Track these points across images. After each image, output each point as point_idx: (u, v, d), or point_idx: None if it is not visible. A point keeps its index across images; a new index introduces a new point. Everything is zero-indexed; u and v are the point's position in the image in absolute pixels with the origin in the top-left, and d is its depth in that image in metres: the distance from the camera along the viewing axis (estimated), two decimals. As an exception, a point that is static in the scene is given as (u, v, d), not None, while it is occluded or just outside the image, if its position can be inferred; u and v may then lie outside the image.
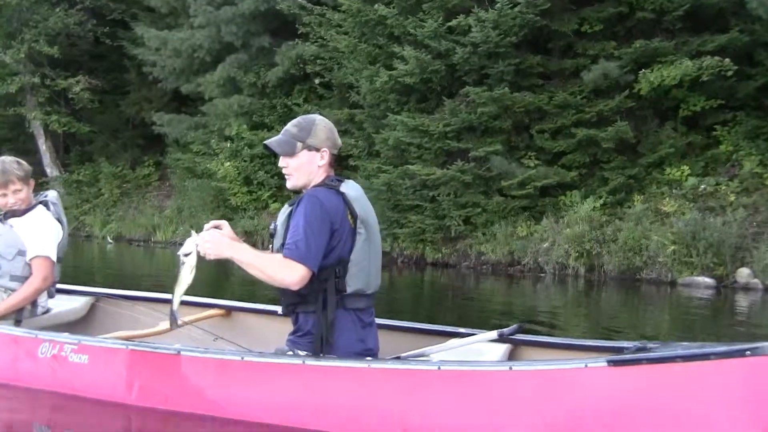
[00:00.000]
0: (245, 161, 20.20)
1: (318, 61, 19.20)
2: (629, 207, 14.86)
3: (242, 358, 4.46)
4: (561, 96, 15.64)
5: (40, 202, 5.71)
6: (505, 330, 4.54)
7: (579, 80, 15.80)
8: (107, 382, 4.77)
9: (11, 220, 5.61)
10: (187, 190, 21.69)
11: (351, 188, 4.44)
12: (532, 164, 15.71)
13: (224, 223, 4.61)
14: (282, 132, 4.50)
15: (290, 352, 4.37)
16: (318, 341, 4.29)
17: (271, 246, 4.53)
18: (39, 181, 25.35)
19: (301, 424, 4.25)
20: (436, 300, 12.58)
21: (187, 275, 4.45)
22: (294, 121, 4.54)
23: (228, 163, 20.27)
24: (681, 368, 3.69)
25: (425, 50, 16.11)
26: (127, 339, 5.07)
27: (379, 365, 4.18)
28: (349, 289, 4.32)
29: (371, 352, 4.44)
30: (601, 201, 15.01)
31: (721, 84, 14.76)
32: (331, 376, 4.20)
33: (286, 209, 4.46)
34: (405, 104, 17.06)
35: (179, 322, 4.71)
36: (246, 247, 4.41)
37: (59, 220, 5.74)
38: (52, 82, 24.74)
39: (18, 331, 5.19)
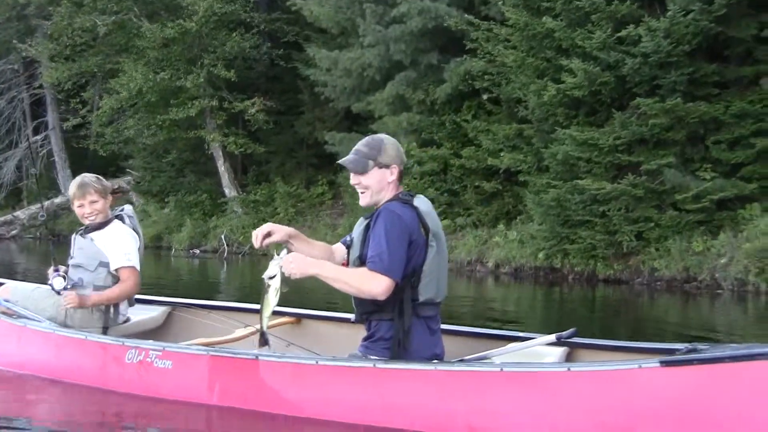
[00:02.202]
0: (415, 179, 20.23)
1: (486, 76, 19.07)
2: (815, 220, 14.06)
3: (317, 362, 4.78)
4: (739, 105, 14.95)
5: (116, 217, 6.05)
6: (563, 333, 4.80)
7: (758, 88, 15.11)
8: (190, 386, 5.13)
9: (91, 234, 5.97)
10: (357, 208, 21.90)
11: (422, 203, 4.77)
12: (708, 176, 15.06)
13: (271, 225, 4.97)
14: (353, 152, 4.80)
15: (364, 357, 4.69)
16: (395, 346, 4.60)
17: (346, 257, 4.87)
18: (218, 201, 26.50)
19: (372, 423, 4.55)
20: (608, 317, 12.23)
21: (273, 297, 4.72)
22: (363, 141, 4.84)
23: (398, 181, 20.34)
24: (730, 368, 3.89)
25: (594, 62, 15.74)
26: (206, 345, 5.42)
27: (445, 367, 4.48)
28: (422, 298, 4.63)
29: (439, 357, 4.74)
30: (784, 214, 14.25)
31: None
32: (400, 379, 4.51)
33: (362, 222, 4.78)
34: (574, 118, 16.73)
35: (269, 342, 4.96)
36: (327, 263, 4.73)
37: (136, 232, 6.05)
38: (230, 104, 25.48)
39: (106, 339, 5.59)
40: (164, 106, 25.79)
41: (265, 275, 4.72)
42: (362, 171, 4.73)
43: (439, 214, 18.85)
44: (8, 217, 29.82)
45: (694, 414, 3.96)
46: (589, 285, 16.09)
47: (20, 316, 5.96)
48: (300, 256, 4.70)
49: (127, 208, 6.15)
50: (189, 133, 25.96)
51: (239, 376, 4.97)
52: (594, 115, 16.67)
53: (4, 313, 6.05)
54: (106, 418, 5.17)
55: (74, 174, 31.64)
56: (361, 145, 4.81)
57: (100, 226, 5.97)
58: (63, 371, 5.68)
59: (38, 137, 32.39)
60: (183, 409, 5.06)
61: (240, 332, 5.87)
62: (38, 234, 29.59)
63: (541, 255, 17.14)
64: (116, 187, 30.55)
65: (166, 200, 27.86)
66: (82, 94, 29.50)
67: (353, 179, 4.79)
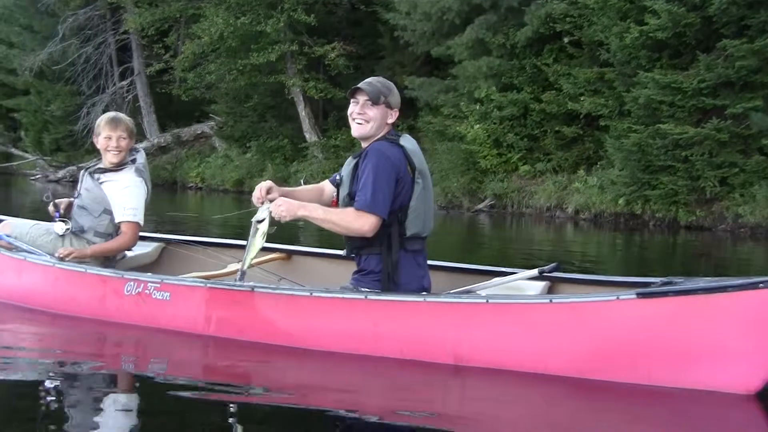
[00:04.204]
0: (495, 123, 20.03)
1: (567, 18, 18.71)
2: None
3: (311, 294, 4.96)
4: (832, 45, 14.44)
5: (131, 162, 5.99)
6: (544, 268, 5.00)
7: None
8: (187, 317, 5.31)
9: (102, 177, 5.94)
10: (438, 154, 21.79)
11: (408, 142, 4.94)
12: (797, 120, 14.63)
13: (271, 182, 5.15)
14: (368, 83, 4.93)
15: (355, 289, 4.90)
16: (385, 279, 4.83)
17: (336, 195, 5.10)
18: (299, 146, 26.61)
19: (364, 352, 4.79)
20: (689, 263, 12.03)
21: (259, 240, 4.95)
22: (377, 78, 5.01)
23: (477, 126, 20.17)
24: (702, 300, 4.19)
25: (679, 2, 15.35)
26: (202, 278, 5.58)
27: (434, 299, 4.71)
28: (409, 233, 4.85)
29: (426, 290, 4.98)
30: None
31: None
32: (391, 310, 4.75)
33: (351, 161, 4.99)
34: (657, 61, 16.35)
35: (247, 282, 5.11)
36: (315, 205, 4.95)
37: (146, 183, 6.03)
38: (310, 49, 25.46)
39: (106, 272, 5.69)
40: (245, 51, 25.83)
41: (255, 218, 4.94)
42: (375, 101, 4.85)
43: (519, 160, 18.78)
44: (95, 161, 30.32)
45: (668, 342, 4.25)
46: (670, 231, 15.87)
47: (20, 250, 6.02)
48: (288, 200, 4.91)
49: (140, 155, 6.08)
50: (270, 78, 25.98)
51: (235, 307, 5.17)
52: (678, 57, 16.29)
53: (4, 247, 6.11)
54: (106, 347, 5.34)
55: (159, 119, 32.21)
56: (376, 80, 4.96)
57: (113, 170, 5.94)
58: (62, 303, 5.79)
59: (124, 83, 32.83)
60: (180, 339, 5.25)
61: (233, 266, 5.95)
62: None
63: (621, 201, 16.90)
64: (199, 132, 30.97)
65: (248, 145, 28.05)
66: (165, 39, 29.80)
67: (359, 107, 4.89)
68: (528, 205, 19.35)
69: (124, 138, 5.92)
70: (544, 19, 19.13)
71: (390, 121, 4.93)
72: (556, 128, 19.29)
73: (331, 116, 27.70)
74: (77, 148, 32.91)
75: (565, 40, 19.44)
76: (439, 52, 21.98)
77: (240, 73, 26.30)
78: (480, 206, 20.13)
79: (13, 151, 33.39)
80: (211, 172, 28.29)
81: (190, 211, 18.89)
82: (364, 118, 4.88)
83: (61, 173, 30.44)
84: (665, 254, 13.24)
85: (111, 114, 6.08)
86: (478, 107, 20.37)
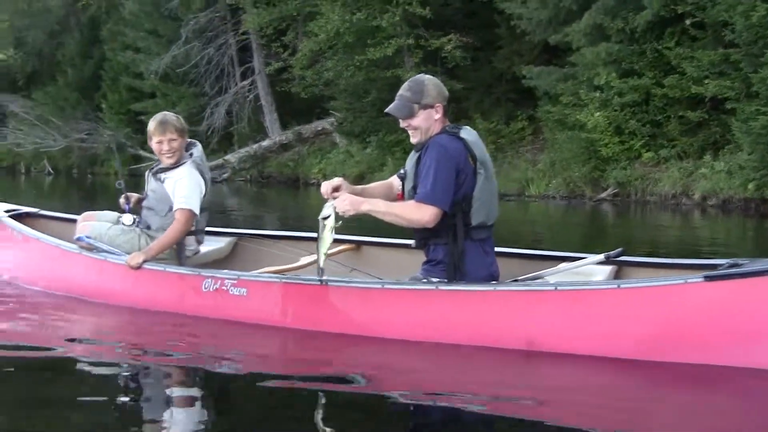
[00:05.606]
0: (615, 110, 19.61)
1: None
2: None
3: (383, 286, 5.16)
4: None
5: (189, 156, 6.18)
6: (611, 253, 5.12)
7: None
8: (264, 311, 5.54)
9: (163, 175, 6.15)
10: (558, 143, 21.51)
11: (469, 134, 5.16)
12: None
13: (342, 180, 5.34)
14: (398, 98, 5.14)
15: (424, 280, 5.07)
16: (451, 269, 4.99)
17: (401, 189, 5.30)
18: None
19: (436, 339, 4.94)
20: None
21: (328, 235, 5.10)
22: (405, 86, 5.18)
23: (598, 114, 19.79)
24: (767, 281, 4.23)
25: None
26: (276, 273, 5.80)
27: (503, 288, 4.87)
28: (474, 222, 5.01)
29: (494, 277, 5.11)
30: None
31: None
32: (462, 299, 4.90)
33: (413, 155, 5.17)
34: (787, 39, 15.75)
35: (325, 277, 5.24)
36: (378, 200, 5.14)
37: (203, 175, 6.20)
38: (426, 42, 25.36)
39: (183, 270, 5.96)
40: (362, 47, 25.87)
41: (320, 216, 5.11)
42: (409, 115, 5.08)
43: (642, 146, 18.41)
44: (219, 161, 30.86)
45: (736, 323, 4.33)
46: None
47: (100, 251, 6.25)
48: (351, 196, 5.12)
49: (197, 150, 6.27)
50: (387, 73, 25.95)
51: (310, 301, 5.37)
52: (810, 34, 15.65)
53: (84, 248, 6.34)
54: (186, 340, 5.55)
55: (281, 118, 32.65)
56: (404, 90, 5.14)
57: (172, 167, 6.15)
58: (143, 302, 6.03)
59: (245, 82, 33.40)
60: (258, 332, 5.48)
61: (305, 260, 6.15)
62: (248, 177, 30.71)
63: (751, 186, 16.35)
64: (320, 128, 31.28)
65: (367, 140, 28.18)
66: (283, 38, 30.17)
67: (402, 123, 5.13)
68: (652, 192, 18.91)
69: (174, 140, 6.12)
70: (665, 1, 18.63)
71: (437, 116, 5.10)
72: (680, 113, 18.77)
73: (450, 108, 27.39)
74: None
75: (687, 21, 18.85)
76: (557, 40, 21.66)
77: (357, 69, 26.34)
78: (602, 195, 19.79)
79: (142, 153, 34.23)
80: (332, 168, 28.52)
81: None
82: (412, 130, 5.14)
83: (186, 173, 31.07)
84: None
85: (158, 117, 6.23)
86: (598, 95, 20.00)
